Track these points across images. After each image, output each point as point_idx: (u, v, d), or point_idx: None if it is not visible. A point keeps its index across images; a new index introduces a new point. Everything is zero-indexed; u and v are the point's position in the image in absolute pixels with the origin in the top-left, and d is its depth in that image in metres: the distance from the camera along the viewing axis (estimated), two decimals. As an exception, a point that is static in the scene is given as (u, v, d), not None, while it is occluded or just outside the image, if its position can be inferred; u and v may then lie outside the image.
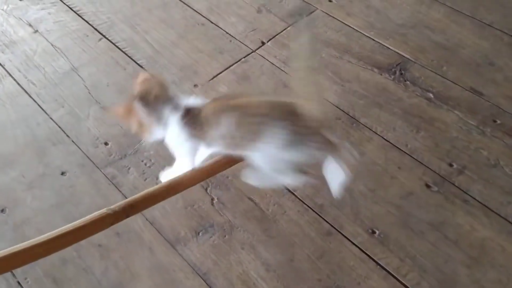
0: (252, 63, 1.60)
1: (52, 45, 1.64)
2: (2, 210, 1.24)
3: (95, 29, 1.70)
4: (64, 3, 1.79)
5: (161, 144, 1.36)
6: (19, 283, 1.12)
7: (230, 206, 1.26)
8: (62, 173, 1.32)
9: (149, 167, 1.34)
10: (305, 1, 1.80)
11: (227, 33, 1.70)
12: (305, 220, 1.23)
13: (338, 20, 1.73)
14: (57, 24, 1.72)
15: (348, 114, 1.45)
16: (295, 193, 1.28)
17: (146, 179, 1.31)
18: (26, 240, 1.18)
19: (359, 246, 1.18)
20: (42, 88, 1.52)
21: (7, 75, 1.55)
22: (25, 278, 1.13)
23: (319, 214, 1.24)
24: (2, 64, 1.58)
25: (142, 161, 1.35)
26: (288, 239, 1.20)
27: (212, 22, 1.73)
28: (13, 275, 1.13)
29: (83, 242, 1.17)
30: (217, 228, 1.22)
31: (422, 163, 1.33)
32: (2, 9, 1.77)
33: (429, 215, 1.23)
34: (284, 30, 1.70)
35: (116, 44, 1.65)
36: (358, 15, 1.74)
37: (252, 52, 1.63)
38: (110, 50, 1.64)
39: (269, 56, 1.62)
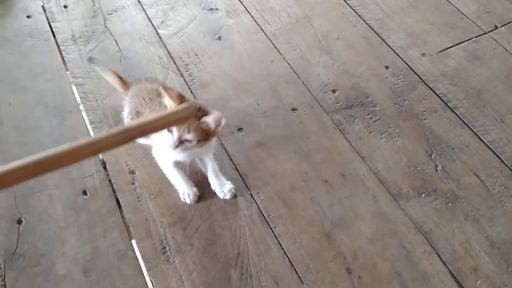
0: (484, 44, 1.56)
1: (287, -8, 1.74)
2: (239, 129, 1.36)
3: (328, -16, 1.76)
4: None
5: (388, 102, 1.39)
6: (252, 195, 1.23)
7: (455, 177, 1.26)
8: (293, 109, 1.41)
9: (374, 121, 1.38)
10: (547, -8, 1.70)
11: (459, 10, 1.67)
12: (535, 209, 1.20)
13: None
14: (292, -26, 1.80)
15: None
16: (524, 180, 1.25)
17: (371, 132, 1.35)
18: (259, 161, 1.29)
19: None
20: (277, 30, 1.61)
21: (245, 11, 1.67)
22: (258, 193, 1.23)
23: (550, 206, 1.20)
24: (241, 1, 1.71)
25: (368, 114, 1.39)
26: (516, 222, 1.18)
27: (444, -3, 1.72)
28: (247, 187, 1.24)
29: (311, 174, 1.27)
30: (440, 194, 1.23)
31: None
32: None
33: None
34: (520, 18, 1.63)
35: (347, 2, 1.70)
36: None
37: (484, 34, 1.59)
38: (341, 6, 1.69)
39: (502, 40, 1.57)
